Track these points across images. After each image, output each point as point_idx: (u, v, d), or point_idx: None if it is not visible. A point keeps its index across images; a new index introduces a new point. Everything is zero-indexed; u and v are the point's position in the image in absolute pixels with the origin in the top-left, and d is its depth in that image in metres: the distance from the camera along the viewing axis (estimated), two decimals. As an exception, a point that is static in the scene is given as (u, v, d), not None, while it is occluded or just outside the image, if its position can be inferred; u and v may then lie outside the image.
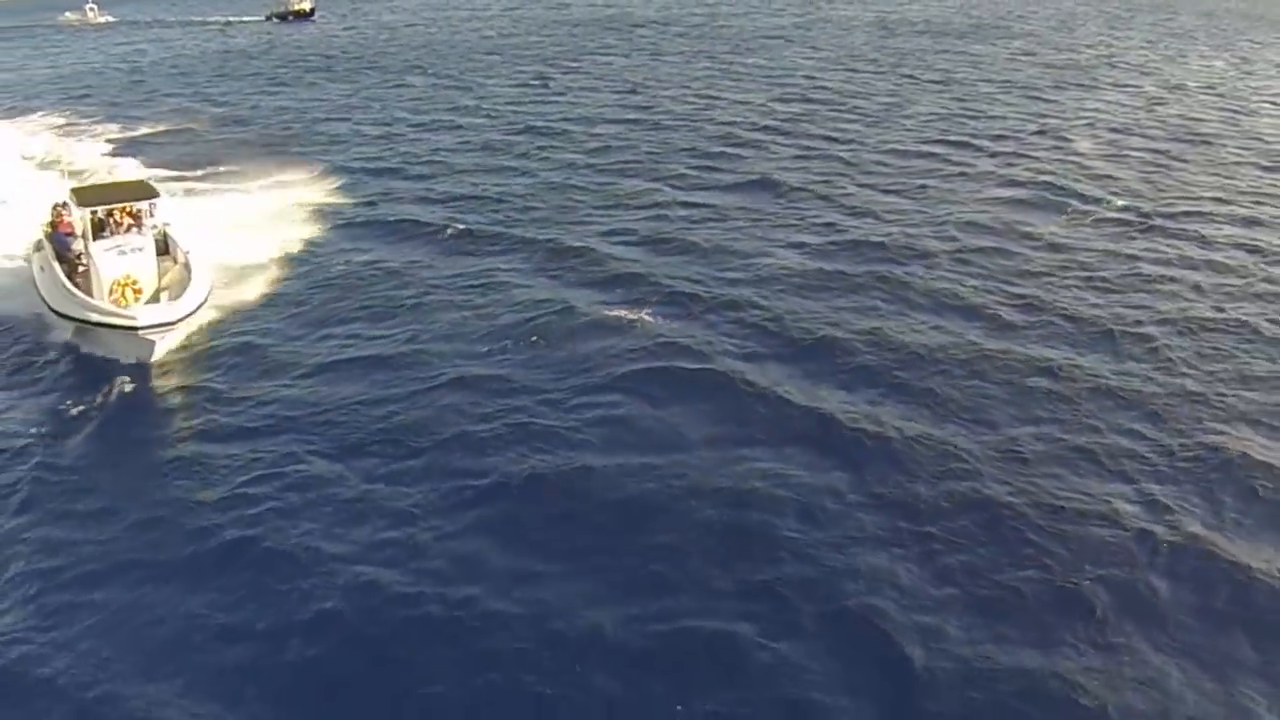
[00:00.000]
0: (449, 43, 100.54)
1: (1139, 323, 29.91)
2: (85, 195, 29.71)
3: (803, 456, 22.45)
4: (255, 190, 43.90)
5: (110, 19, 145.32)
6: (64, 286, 27.54)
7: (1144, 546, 19.60)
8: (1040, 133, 56.20)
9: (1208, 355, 27.93)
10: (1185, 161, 51.35)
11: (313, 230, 38.86)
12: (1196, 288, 33.12)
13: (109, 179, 40.52)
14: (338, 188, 44.30)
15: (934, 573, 18.67)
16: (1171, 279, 33.75)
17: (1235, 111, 66.84)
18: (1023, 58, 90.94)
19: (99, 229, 28.67)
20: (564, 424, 23.75)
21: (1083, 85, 74.68)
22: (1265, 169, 50.38)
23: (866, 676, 16.32)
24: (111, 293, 27.59)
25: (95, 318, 26.56)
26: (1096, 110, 64.14)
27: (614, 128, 56.89)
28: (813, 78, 75.25)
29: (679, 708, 15.59)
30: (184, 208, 38.33)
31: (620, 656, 16.55)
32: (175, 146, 53.40)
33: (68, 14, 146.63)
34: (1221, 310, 31.09)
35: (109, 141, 53.66)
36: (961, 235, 37.45)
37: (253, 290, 32.89)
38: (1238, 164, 51.21)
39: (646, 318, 29.56)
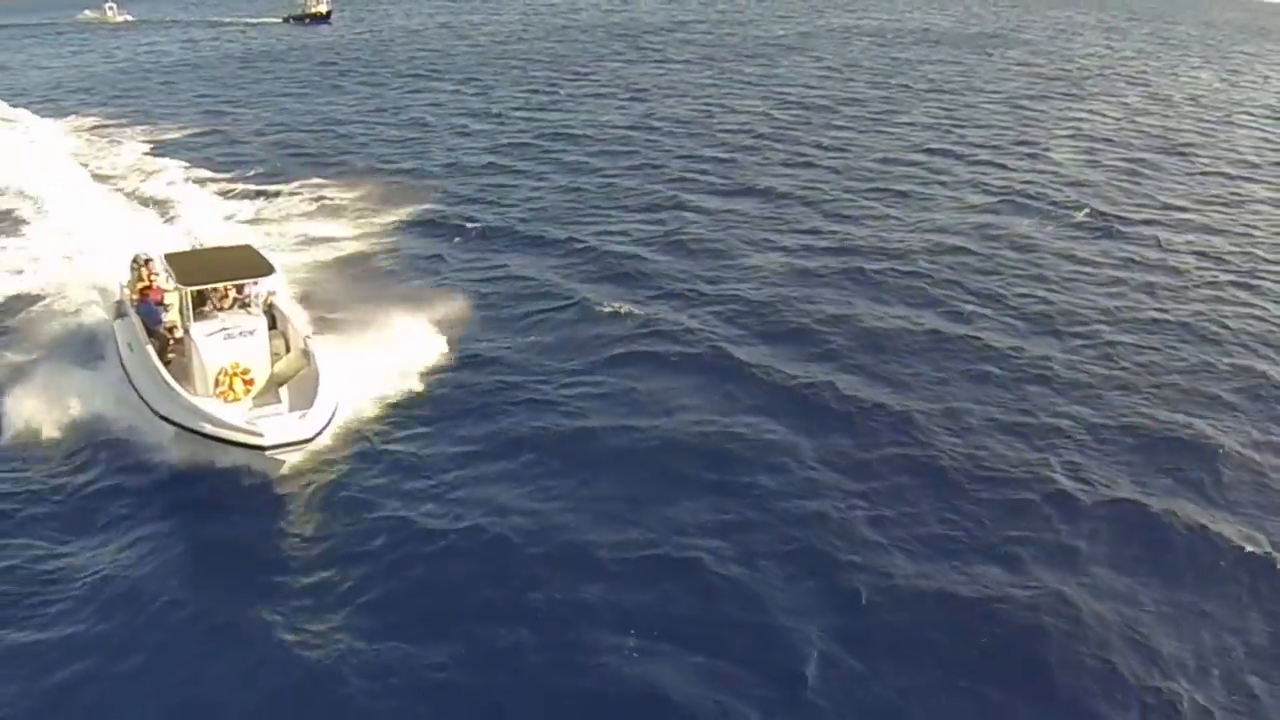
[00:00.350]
0: (460, 47, 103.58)
1: (1086, 318, 33.08)
2: (185, 268, 24.76)
3: (775, 423, 25.76)
4: (291, 196, 45.67)
5: (129, 18, 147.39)
6: (165, 382, 23.01)
7: (1065, 506, 22.75)
8: (1021, 142, 59.39)
9: (1144, 348, 31.02)
10: (1158, 171, 54.43)
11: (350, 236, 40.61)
12: (1146, 287, 36.28)
13: (207, 244, 33.31)
14: (365, 195, 45.70)
15: (877, 518, 21.94)
16: (1123, 280, 36.87)
17: (1214, 122, 70.03)
18: (1016, 68, 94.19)
19: (198, 301, 24.56)
20: (569, 394, 27.08)
21: (1069, 95, 77.90)
22: (1231, 178, 53.55)
23: (814, 601, 19.48)
24: (217, 384, 23.51)
25: (209, 429, 22.10)
26: (1079, 120, 67.34)
27: (617, 132, 60.02)
28: (810, 86, 78.55)
29: (652, 614, 18.87)
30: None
31: (606, 574, 19.91)
32: (211, 148, 55.83)
33: (87, 12, 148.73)
34: (1164, 310, 34.16)
35: (145, 143, 55.74)
36: (934, 237, 40.53)
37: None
38: (1206, 174, 54.33)
39: (635, 309, 32.52)
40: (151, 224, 40.48)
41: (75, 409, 25.15)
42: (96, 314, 30.80)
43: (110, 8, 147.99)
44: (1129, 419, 26.71)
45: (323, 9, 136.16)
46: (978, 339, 31.02)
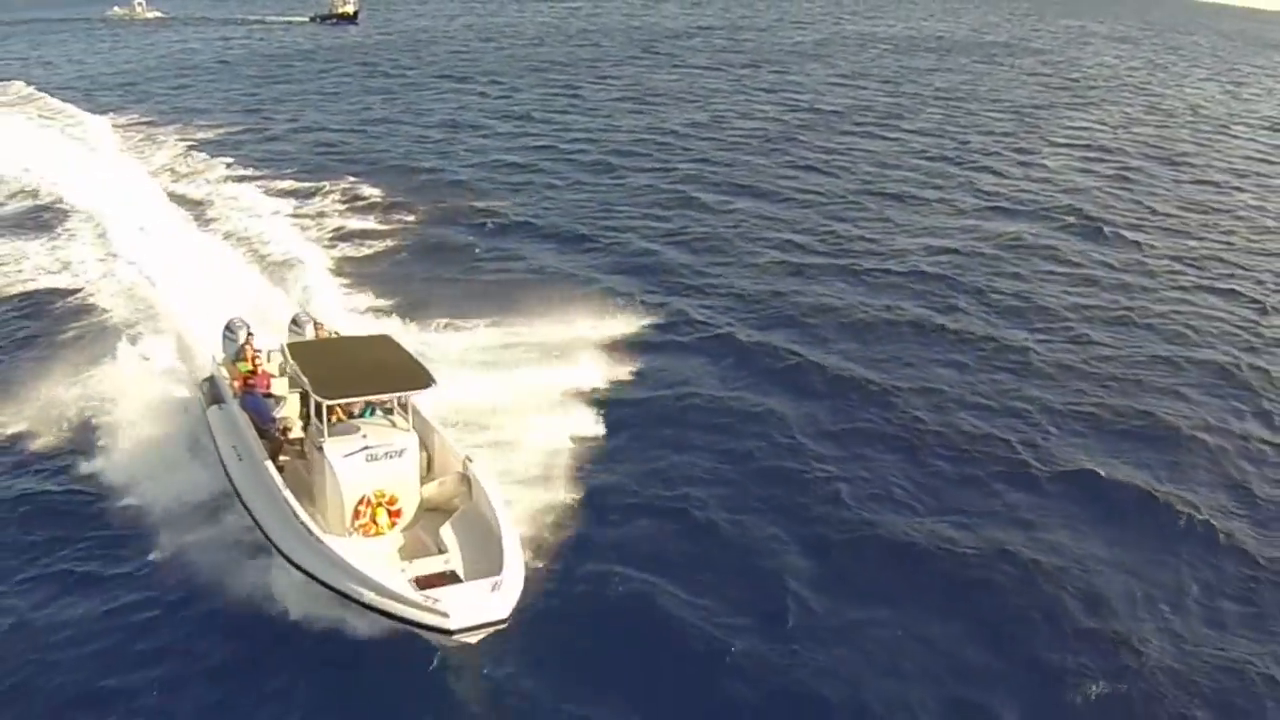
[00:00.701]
0: (485, 49, 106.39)
1: (1060, 311, 35.86)
2: (319, 371, 19.80)
3: (783, 394, 29.03)
4: (325, 195, 47.14)
5: (158, 14, 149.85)
6: (297, 521, 18.24)
7: (1021, 475, 25.45)
8: (1019, 149, 62.01)
9: (1111, 342, 33.67)
10: (1149, 178, 56.97)
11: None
12: (1121, 287, 38.92)
13: (323, 322, 25.83)
14: (395, 193, 47.45)
15: (867, 467, 25.20)
16: (1099, 279, 39.55)
17: (1211, 133, 72.52)
18: (1024, 77, 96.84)
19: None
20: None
21: (1072, 105, 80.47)
22: (1219, 187, 56.06)
23: (807, 531, 22.61)
24: (356, 515, 18.81)
25: (369, 598, 17.12)
26: (1079, 129, 69.93)
27: (637, 135, 62.88)
28: (821, 92, 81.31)
29: (650, 549, 21.79)
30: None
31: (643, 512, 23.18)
32: (246, 146, 57.81)
33: (116, 9, 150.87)
34: (1134, 308, 36.75)
35: (183, 141, 57.79)
36: (927, 239, 43.28)
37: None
38: (1196, 182, 56.84)
39: (650, 300, 35.30)
40: (225, 248, 39.26)
41: (164, 526, 21.12)
42: (175, 387, 26.46)
43: (139, 4, 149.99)
44: (1091, 402, 29.40)
45: (349, 9, 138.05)
46: (958, 326, 33.83)
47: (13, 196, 46.49)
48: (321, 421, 19.26)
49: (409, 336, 28.15)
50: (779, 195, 49.32)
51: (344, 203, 46.06)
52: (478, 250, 40.62)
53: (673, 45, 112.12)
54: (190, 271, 35.54)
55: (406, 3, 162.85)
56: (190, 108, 70.39)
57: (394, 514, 19.30)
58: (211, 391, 23.70)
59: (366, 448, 19.14)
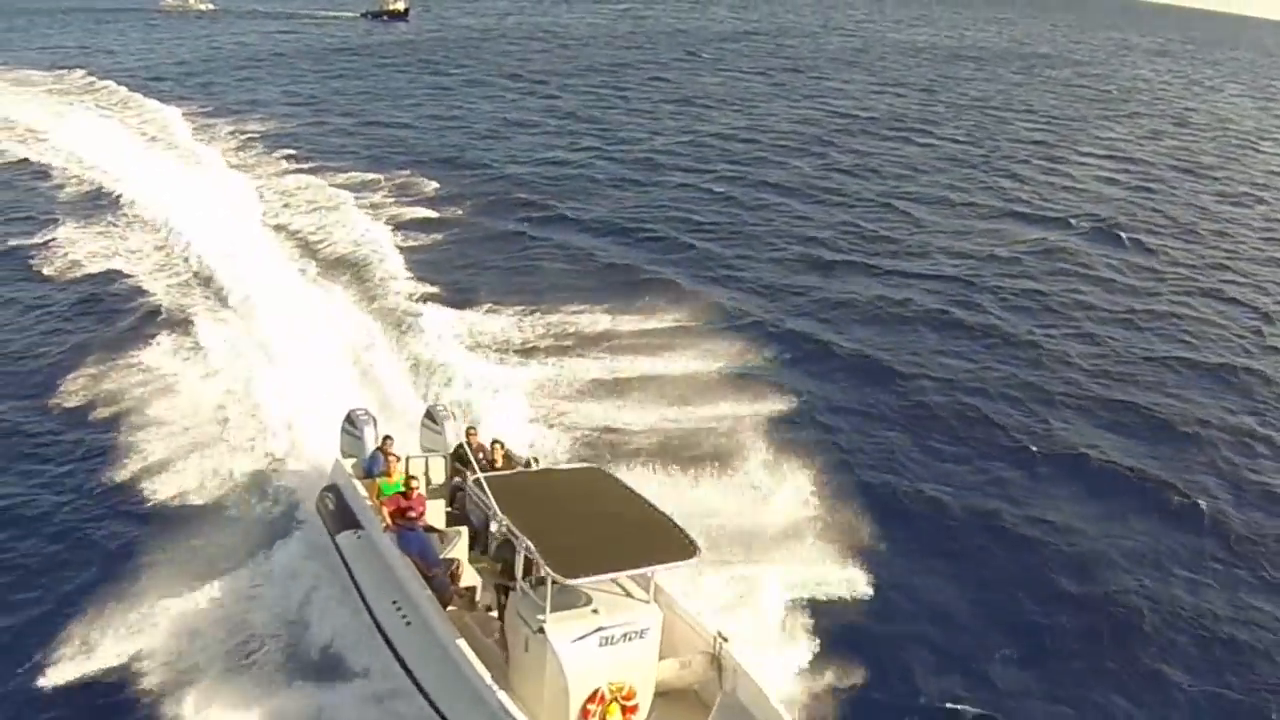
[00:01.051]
0: (533, 47, 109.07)
1: (1066, 308, 38.44)
2: (555, 548, 14.86)
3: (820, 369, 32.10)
4: (380, 188, 48.84)
5: (211, 6, 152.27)
6: (504, 715, 14.42)
7: (1022, 453, 27.95)
8: (1046, 158, 64.19)
9: (1110, 338, 36.14)
10: (1171, 190, 58.94)
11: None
12: (1130, 290, 41.27)
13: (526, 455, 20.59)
14: (449, 188, 49.58)
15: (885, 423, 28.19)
16: (1113, 281, 41.93)
17: (1237, 146, 74.27)
18: (1060, 87, 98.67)
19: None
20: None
21: (1104, 116, 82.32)
22: (1239, 201, 57.96)
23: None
24: (585, 716, 15.00)
25: None
26: (1107, 139, 71.92)
27: (676, 137, 65.54)
28: (857, 98, 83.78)
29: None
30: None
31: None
32: (311, 138, 60.30)
33: (169, 0, 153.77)
34: (1135, 309, 39.15)
35: (245, 134, 59.84)
36: (948, 241, 45.74)
37: None
38: (1217, 195, 58.75)
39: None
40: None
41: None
42: (287, 479, 22.75)
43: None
44: (1092, 387, 31.97)
45: (400, 6, 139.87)
46: (972, 320, 36.51)
47: (73, 184, 48.81)
48: (541, 595, 14.80)
49: (497, 323, 32.47)
50: (813, 196, 51.90)
51: (405, 197, 47.84)
52: (552, 244, 42.69)
53: (718, 49, 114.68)
54: (278, 293, 34.05)
55: (457, 0, 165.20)
56: (248, 100, 72.76)
57: (629, 709, 15.13)
58: (338, 509, 19.14)
59: (600, 629, 14.91)
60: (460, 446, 19.20)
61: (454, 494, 19.34)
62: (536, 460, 19.90)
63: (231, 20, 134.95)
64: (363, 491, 18.80)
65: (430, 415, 21.25)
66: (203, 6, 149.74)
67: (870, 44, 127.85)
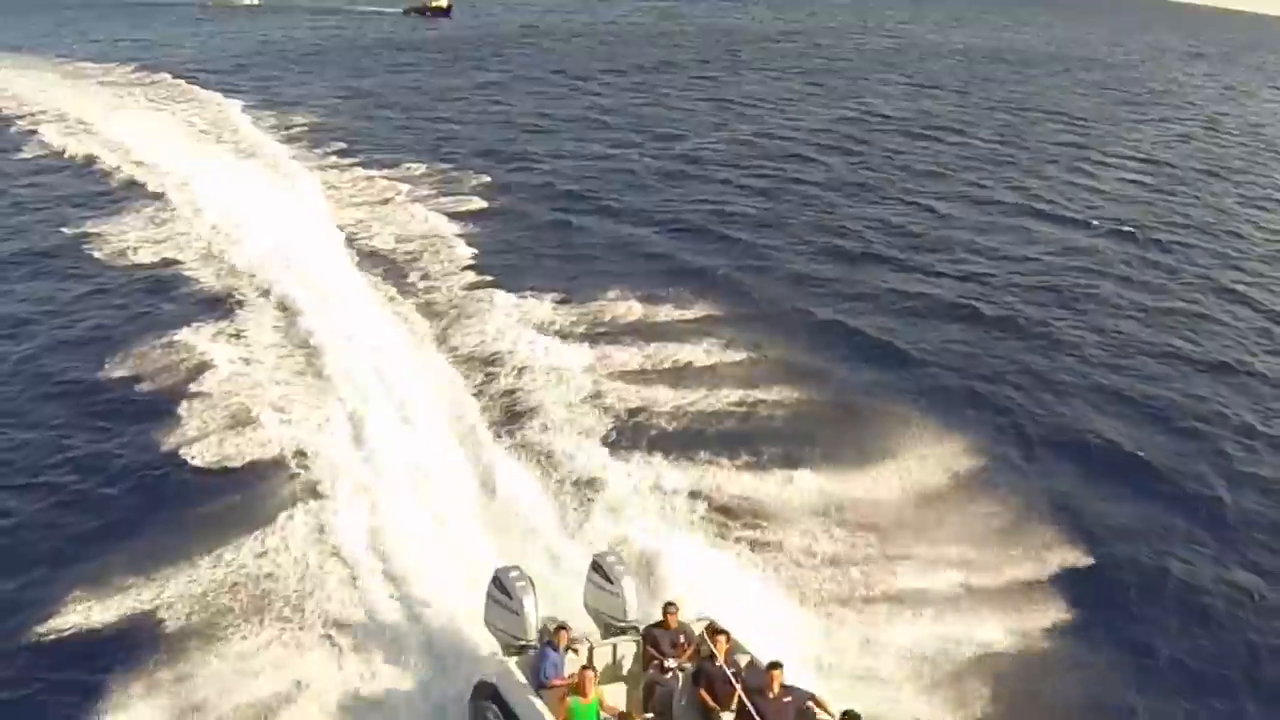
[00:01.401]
0: (573, 45, 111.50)
1: (1075, 303, 40.35)
2: None
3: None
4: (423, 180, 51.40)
5: (256, 1, 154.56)
6: None
7: (1013, 430, 29.98)
8: (1071, 159, 65.79)
9: (1113, 334, 37.86)
10: (1194, 194, 60.15)
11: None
12: (1144, 285, 43.01)
13: None
14: (493, 184, 51.77)
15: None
16: (1127, 280, 43.67)
17: (1263, 150, 75.36)
18: (1084, 89, 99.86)
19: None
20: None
21: (1131, 120, 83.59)
22: (1260, 206, 59.14)
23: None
24: None
25: None
26: (1134, 141, 73.30)
27: (715, 132, 67.62)
28: (887, 98, 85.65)
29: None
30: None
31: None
32: (365, 133, 62.75)
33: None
34: (1147, 308, 40.79)
35: (292, 127, 62.68)
36: (968, 236, 47.83)
37: None
38: (1239, 201, 59.86)
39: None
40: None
41: None
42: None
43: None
44: (1091, 374, 34.01)
45: (444, 3, 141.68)
46: (982, 309, 38.68)
47: (130, 173, 51.10)
48: None
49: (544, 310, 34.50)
50: (846, 192, 54.01)
51: (452, 190, 50.06)
52: (594, 235, 45.11)
53: (759, 49, 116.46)
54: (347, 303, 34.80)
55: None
56: (298, 93, 75.54)
57: None
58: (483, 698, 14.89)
59: None
60: (656, 631, 15.23)
61: (649, 691, 14.80)
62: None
63: (276, 15, 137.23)
64: (536, 703, 13.96)
65: (600, 567, 16.11)
66: (247, 2, 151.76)
67: (907, 46, 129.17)
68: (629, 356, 31.29)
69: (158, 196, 46.51)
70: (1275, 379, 35.41)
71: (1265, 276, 46.01)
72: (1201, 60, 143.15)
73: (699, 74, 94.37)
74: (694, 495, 23.80)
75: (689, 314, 35.12)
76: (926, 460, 26.38)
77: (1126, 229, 50.19)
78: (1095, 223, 51.05)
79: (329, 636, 18.25)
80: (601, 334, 33.16)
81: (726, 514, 23.25)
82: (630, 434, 26.74)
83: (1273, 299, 43.20)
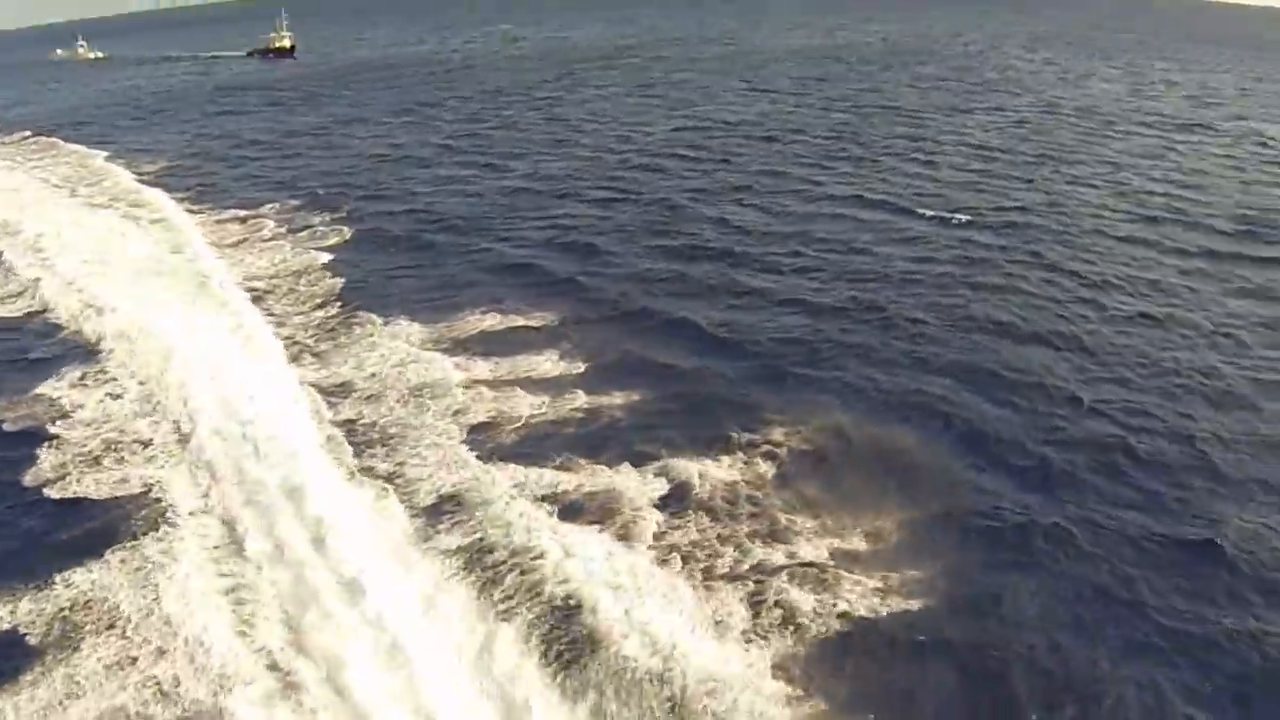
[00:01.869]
0: (418, 74, 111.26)
1: (906, 286, 41.32)
2: None
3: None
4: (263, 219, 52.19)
5: (101, 55, 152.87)
6: None
7: (852, 405, 30.24)
8: (904, 151, 66.80)
9: (943, 311, 38.85)
10: (1026, 177, 60.75)
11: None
12: (971, 264, 43.68)
13: None
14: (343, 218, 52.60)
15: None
16: (957, 261, 44.28)
17: (1095, 131, 76.68)
18: (922, 82, 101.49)
19: None
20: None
21: (965, 109, 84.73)
22: (1089, 184, 59.98)
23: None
24: None
25: None
26: (968, 130, 74.27)
27: (552, 157, 67.67)
28: (725, 105, 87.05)
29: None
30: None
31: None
32: (191, 178, 62.77)
33: (59, 50, 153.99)
34: (976, 285, 41.58)
35: (134, 174, 62.60)
36: (803, 229, 48.54)
37: None
38: (1070, 181, 60.56)
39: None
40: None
41: None
42: None
43: (81, 46, 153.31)
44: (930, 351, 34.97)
45: (286, 44, 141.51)
46: (808, 296, 39.96)
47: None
48: None
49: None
50: (670, 205, 54.55)
51: (301, 223, 51.39)
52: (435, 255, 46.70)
53: (594, 68, 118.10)
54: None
55: (341, 38, 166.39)
56: (146, 140, 75.78)
57: None
58: None
59: None
60: None
61: None
62: None
63: (122, 66, 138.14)
64: None
65: None
66: (92, 55, 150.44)
67: (744, 52, 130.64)
68: (486, 369, 33.32)
69: (25, 247, 47.47)
70: (1094, 346, 36.36)
71: (1091, 251, 46.73)
72: (1042, 45, 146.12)
73: (542, 94, 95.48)
74: (552, 497, 26.25)
75: (539, 322, 37.40)
76: (769, 441, 28.74)
77: (957, 215, 51.08)
78: (925, 211, 51.92)
79: (190, 652, 20.74)
80: (461, 349, 35.00)
81: (590, 508, 25.87)
82: (489, 443, 28.95)
83: (1093, 270, 44.10)
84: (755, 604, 22.35)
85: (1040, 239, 47.96)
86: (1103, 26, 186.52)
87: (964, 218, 50.36)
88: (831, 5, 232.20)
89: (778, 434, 29.30)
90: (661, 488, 26.65)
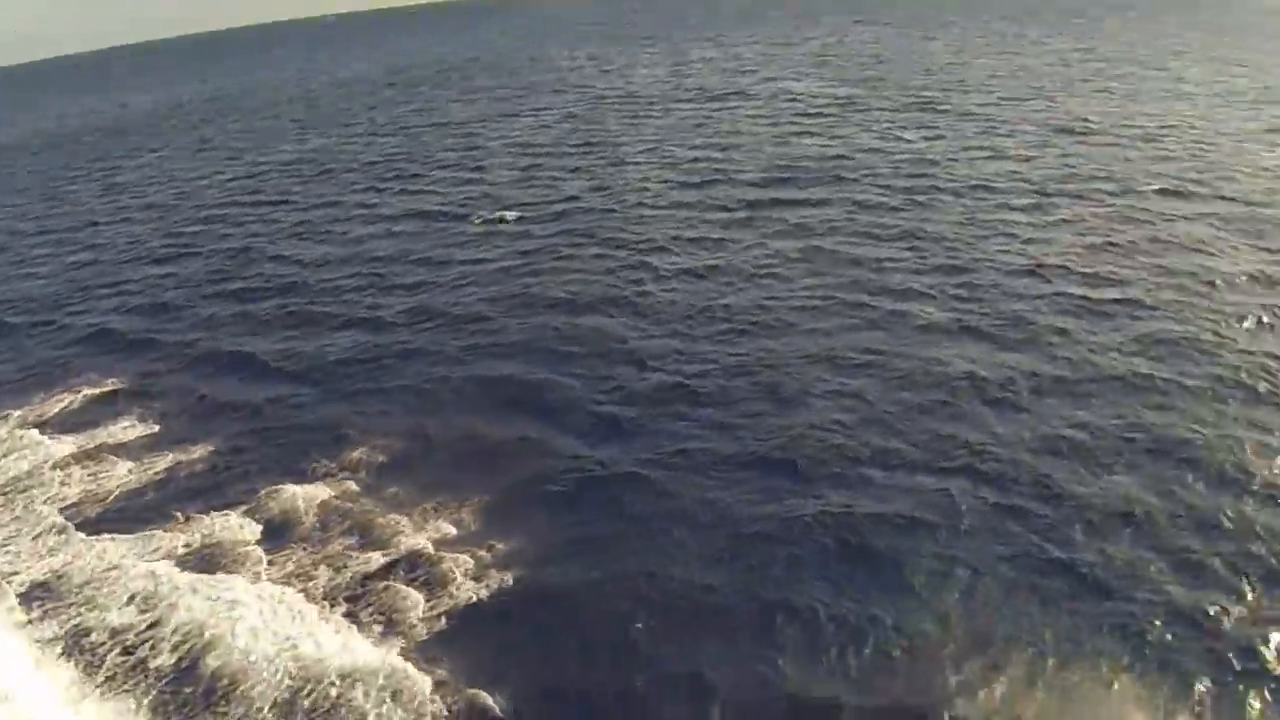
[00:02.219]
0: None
1: (459, 282, 42.10)
2: None
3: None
4: None
5: None
6: None
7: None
8: (455, 161, 67.94)
9: (511, 296, 39.98)
10: (571, 168, 62.28)
11: None
12: (521, 252, 44.50)
13: None
14: None
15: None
16: (506, 255, 45.29)
17: (636, 114, 79.42)
18: (470, 95, 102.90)
19: None
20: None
21: (510, 114, 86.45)
22: (634, 162, 61.90)
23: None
24: None
25: None
26: (516, 132, 76.00)
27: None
28: (276, 148, 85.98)
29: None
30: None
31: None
32: None
33: None
34: (535, 275, 42.57)
35: None
36: (363, 248, 49.28)
37: None
38: (615, 164, 62.13)
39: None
40: None
41: None
42: None
43: None
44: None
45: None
46: (376, 317, 39.55)
47: None
48: None
49: None
50: (239, 241, 53.90)
51: None
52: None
53: (142, 132, 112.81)
54: None
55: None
56: None
57: None
58: None
59: None
60: None
61: None
62: None
63: None
64: None
65: None
66: None
67: (297, 96, 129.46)
68: (72, 444, 32.51)
69: None
70: (646, 307, 38.05)
71: (639, 223, 48.83)
72: (587, 43, 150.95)
73: (104, 164, 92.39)
74: (159, 555, 26.30)
75: (116, 386, 36.92)
76: (352, 456, 29.43)
77: (508, 213, 52.30)
78: (478, 215, 53.01)
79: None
80: (47, 429, 34.04)
81: (197, 559, 25.93)
82: (84, 517, 28.46)
83: (641, 239, 46.06)
84: (373, 601, 23.21)
85: (589, 220, 49.87)
86: (641, 13, 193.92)
87: (514, 214, 51.63)
88: (378, 36, 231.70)
89: (359, 450, 29.74)
90: (261, 521, 27.04)
